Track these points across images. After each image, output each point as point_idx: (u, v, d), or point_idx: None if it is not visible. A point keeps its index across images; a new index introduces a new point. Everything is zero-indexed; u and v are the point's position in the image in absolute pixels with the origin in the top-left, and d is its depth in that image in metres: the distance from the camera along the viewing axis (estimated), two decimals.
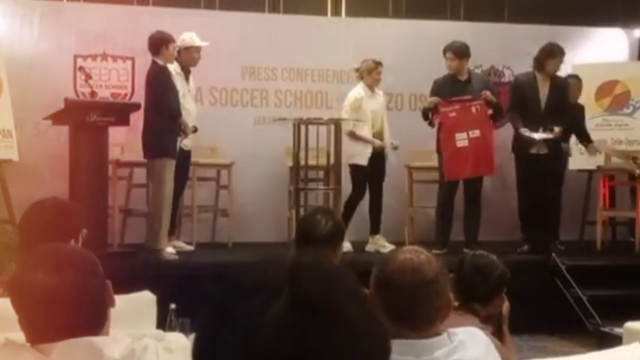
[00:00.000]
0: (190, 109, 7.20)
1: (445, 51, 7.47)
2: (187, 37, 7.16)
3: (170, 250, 6.92)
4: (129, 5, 8.30)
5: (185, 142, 7.14)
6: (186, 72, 7.19)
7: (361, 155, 7.39)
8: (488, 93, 7.38)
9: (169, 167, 6.72)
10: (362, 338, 0.96)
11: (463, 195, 7.62)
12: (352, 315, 0.96)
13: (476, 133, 7.36)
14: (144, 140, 6.84)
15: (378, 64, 7.44)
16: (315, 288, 0.96)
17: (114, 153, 7.18)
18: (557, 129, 7.43)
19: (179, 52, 7.10)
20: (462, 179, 7.52)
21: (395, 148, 7.63)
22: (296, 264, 1.01)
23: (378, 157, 7.45)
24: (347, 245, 7.29)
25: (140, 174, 7.43)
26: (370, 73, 7.42)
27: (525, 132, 7.43)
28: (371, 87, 7.47)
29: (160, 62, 6.81)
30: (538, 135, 7.40)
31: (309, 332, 0.93)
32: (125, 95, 8.12)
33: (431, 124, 7.57)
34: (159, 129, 6.70)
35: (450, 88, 7.46)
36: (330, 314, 0.94)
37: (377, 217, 7.60)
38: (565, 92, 7.70)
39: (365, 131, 7.41)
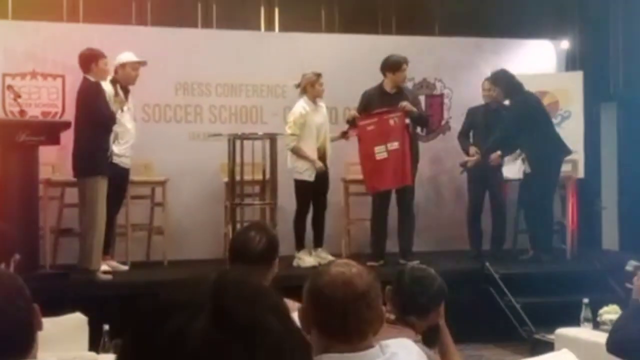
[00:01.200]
0: (129, 127, 7.14)
1: (402, 63, 7.54)
2: (123, 55, 7.11)
3: (104, 269, 6.82)
4: (58, 23, 8.19)
5: (125, 161, 7.07)
6: (125, 91, 7.12)
7: (308, 172, 7.40)
8: (405, 103, 7.46)
9: (102, 185, 6.62)
10: (285, 354, 0.97)
11: (397, 207, 7.70)
12: (275, 332, 0.96)
13: (395, 145, 7.42)
14: (76, 159, 6.73)
15: (319, 75, 7.47)
16: (238, 304, 0.96)
17: (44, 172, 7.06)
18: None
19: (115, 70, 7.04)
20: (383, 191, 7.58)
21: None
22: (220, 280, 1.01)
23: (322, 171, 7.48)
24: (309, 260, 7.31)
25: (72, 194, 7.29)
26: (313, 86, 7.44)
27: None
28: (314, 100, 7.50)
29: (92, 78, 6.73)
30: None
31: (231, 349, 0.93)
32: (56, 113, 7.98)
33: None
34: (92, 147, 6.61)
35: (380, 101, 7.54)
36: (252, 331, 0.95)
37: (320, 231, 7.62)
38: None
39: (310, 145, 7.43)
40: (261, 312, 0.97)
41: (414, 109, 7.51)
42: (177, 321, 0.94)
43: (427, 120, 8.09)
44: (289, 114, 7.58)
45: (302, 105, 7.46)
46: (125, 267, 7.30)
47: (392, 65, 7.55)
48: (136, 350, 0.97)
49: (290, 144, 7.40)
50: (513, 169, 8.11)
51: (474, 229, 8.16)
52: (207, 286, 0.99)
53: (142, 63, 7.18)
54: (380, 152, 7.43)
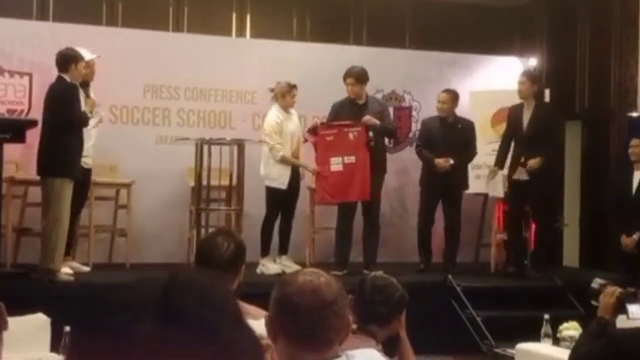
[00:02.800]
0: (88, 127, 7.05)
1: (345, 76, 7.57)
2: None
3: (66, 270, 6.74)
4: (28, 20, 8.10)
5: (86, 161, 6.99)
6: (85, 88, 7.02)
7: (281, 179, 7.37)
8: (367, 118, 7.47)
9: (69, 187, 6.54)
10: (233, 352, 0.96)
11: (362, 217, 7.72)
12: (225, 332, 0.96)
13: (351, 159, 7.42)
14: (43, 158, 6.60)
15: (292, 87, 7.44)
16: (188, 303, 0.96)
17: (8, 170, 6.96)
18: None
19: None
20: (332, 204, 7.59)
21: None
22: (171, 279, 1.01)
23: (295, 179, 7.46)
24: (274, 267, 7.28)
25: (35, 193, 7.21)
26: (284, 96, 7.42)
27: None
28: (286, 108, 7.49)
29: (69, 79, 6.62)
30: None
31: (178, 345, 0.93)
32: (22, 111, 7.89)
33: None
34: (62, 148, 6.50)
35: (349, 111, 7.57)
36: (202, 330, 0.95)
37: (286, 238, 7.60)
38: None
39: (286, 153, 7.42)
40: (212, 311, 0.96)
41: (377, 122, 7.50)
42: (124, 318, 0.94)
43: (395, 132, 8.11)
44: (264, 123, 7.54)
45: (275, 113, 7.44)
46: (87, 268, 7.23)
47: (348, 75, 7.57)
48: (82, 349, 0.96)
49: (277, 155, 7.34)
50: (490, 186, 8.10)
51: (427, 244, 8.15)
52: (158, 285, 0.98)
53: (94, 59, 7.05)
54: (336, 163, 7.43)
